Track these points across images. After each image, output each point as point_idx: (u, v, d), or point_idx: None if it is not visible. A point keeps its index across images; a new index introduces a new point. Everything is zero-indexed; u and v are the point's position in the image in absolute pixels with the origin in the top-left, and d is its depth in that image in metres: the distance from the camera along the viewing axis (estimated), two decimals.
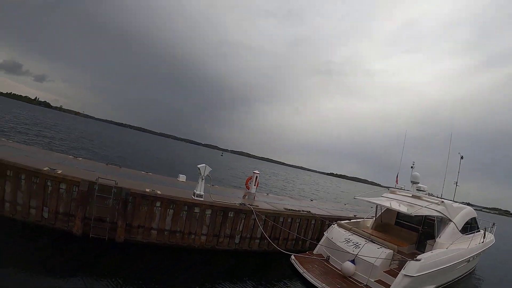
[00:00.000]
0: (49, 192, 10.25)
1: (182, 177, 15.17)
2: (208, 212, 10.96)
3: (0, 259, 8.44)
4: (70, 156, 15.28)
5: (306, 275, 10.15)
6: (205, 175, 11.35)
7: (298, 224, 13.44)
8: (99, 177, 10.46)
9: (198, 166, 11.39)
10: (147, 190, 10.66)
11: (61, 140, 38.23)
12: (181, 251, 10.87)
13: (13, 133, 33.09)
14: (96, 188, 10.10)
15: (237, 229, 11.43)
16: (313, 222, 13.99)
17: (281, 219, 12.83)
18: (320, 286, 9.46)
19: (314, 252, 12.30)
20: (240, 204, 11.71)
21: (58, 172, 10.35)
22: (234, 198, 13.36)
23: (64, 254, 10.17)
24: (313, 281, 9.75)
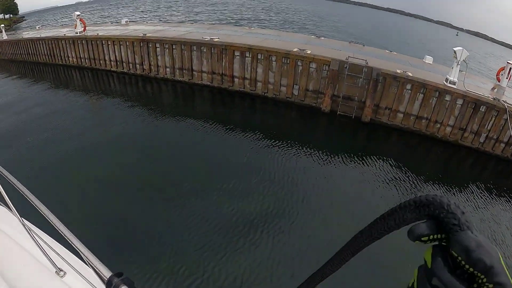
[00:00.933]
0: (299, 71, 11.80)
1: (429, 59, 14.47)
2: (459, 102, 10.18)
3: (251, 130, 10.41)
4: (312, 36, 17.01)
5: None
6: (461, 60, 10.23)
7: None
8: (349, 57, 11.26)
9: (454, 49, 10.39)
10: (398, 71, 10.81)
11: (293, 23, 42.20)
12: (423, 139, 10.84)
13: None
14: (347, 67, 10.93)
15: (486, 126, 10.28)
16: None
17: None
18: None
19: None
20: (494, 99, 10.28)
21: (308, 53, 11.73)
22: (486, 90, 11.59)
23: (312, 127, 11.93)
24: None
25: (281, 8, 60.80)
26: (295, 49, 12.12)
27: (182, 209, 6.61)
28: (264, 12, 50.90)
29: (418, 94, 10.56)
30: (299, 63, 11.75)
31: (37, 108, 12.87)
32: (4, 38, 24.94)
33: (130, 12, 57.21)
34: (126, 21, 19.75)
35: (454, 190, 8.72)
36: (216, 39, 13.22)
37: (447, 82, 10.57)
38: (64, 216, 2.51)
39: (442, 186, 8.69)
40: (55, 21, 61.24)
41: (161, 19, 38.88)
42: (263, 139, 9.89)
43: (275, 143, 9.65)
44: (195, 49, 13.34)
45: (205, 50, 13.19)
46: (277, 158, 8.82)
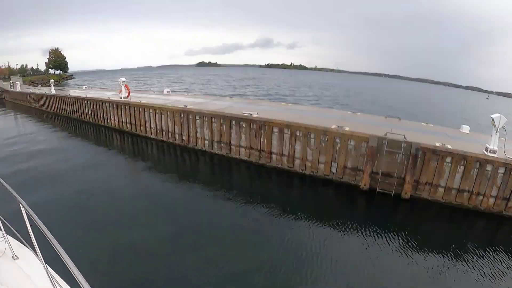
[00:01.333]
0: (338, 148, 11.37)
1: (466, 128, 14.03)
2: (501, 170, 9.55)
3: (289, 207, 9.87)
4: (348, 112, 16.66)
5: None
6: (499, 127, 9.84)
7: None
8: (387, 132, 10.83)
9: (492, 116, 9.97)
10: (437, 144, 10.24)
11: (324, 97, 42.67)
12: (466, 213, 10.02)
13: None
14: (386, 143, 10.47)
15: None
16: None
17: None
18: None
19: None
20: None
21: (346, 129, 11.33)
22: None
23: (351, 206, 11.11)
24: None
25: (312, 84, 63.20)
26: (333, 126, 11.78)
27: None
28: (299, 88, 52.41)
29: (458, 166, 9.90)
30: (338, 140, 11.40)
31: (75, 160, 13.88)
32: (52, 92, 26.71)
33: (171, 83, 60.46)
34: (167, 91, 20.53)
35: (504, 265, 7.61)
36: (255, 115, 13.11)
37: (487, 152, 9.92)
38: (90, 273, 2.54)
39: (491, 263, 7.67)
40: (101, 83, 66.53)
41: (201, 91, 40.84)
42: (301, 219, 9.26)
43: (313, 222, 9.03)
44: (234, 123, 13.27)
45: (244, 125, 13.07)
46: (316, 239, 8.21)
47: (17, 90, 43.01)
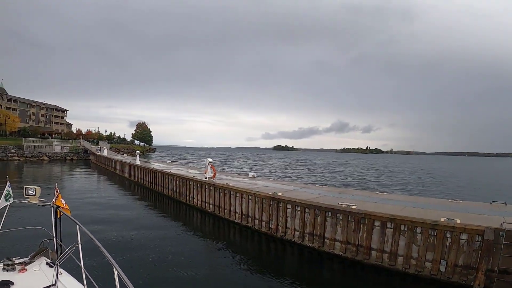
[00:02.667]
0: (448, 244, 9.71)
1: None
2: None
3: None
4: (450, 200, 14.87)
5: None
6: None
7: None
8: (503, 222, 9.27)
9: None
10: None
11: (412, 183, 40.71)
12: None
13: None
14: (503, 235, 8.77)
15: None
16: None
17: None
18: None
19: None
20: None
21: (457, 222, 9.66)
22: None
23: None
24: None
25: (395, 167, 61.06)
26: (442, 219, 10.01)
27: None
28: (386, 175, 50.16)
29: None
30: (448, 235, 9.73)
31: (155, 231, 14.23)
32: (137, 162, 28.62)
33: (252, 165, 62.35)
34: (253, 175, 20.46)
35: None
36: (354, 206, 11.82)
37: None
38: None
39: None
40: (183, 159, 71.76)
41: (284, 175, 40.96)
42: None
43: None
44: (330, 215, 12.05)
45: (341, 218, 11.78)
46: None
47: (104, 154, 47.73)
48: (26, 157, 56.05)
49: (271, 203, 13.51)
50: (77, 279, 3.62)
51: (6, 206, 4.32)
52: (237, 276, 10.47)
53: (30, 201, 4.44)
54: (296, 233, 12.98)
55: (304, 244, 12.75)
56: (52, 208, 4.54)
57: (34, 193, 4.43)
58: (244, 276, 10.59)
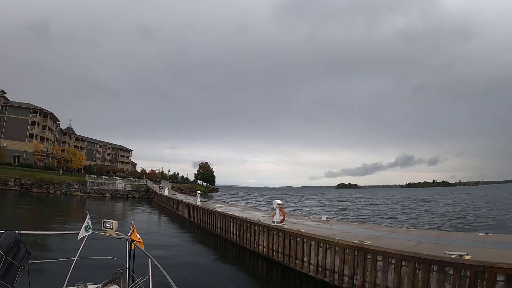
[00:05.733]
0: None
1: None
2: None
3: None
4: None
5: None
6: None
7: None
8: None
9: None
10: None
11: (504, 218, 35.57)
12: None
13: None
14: None
15: None
16: None
17: None
18: None
19: None
20: None
21: None
22: None
23: None
24: None
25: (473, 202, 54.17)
26: None
27: None
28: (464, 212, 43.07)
29: None
30: None
31: (212, 278, 12.98)
32: (197, 203, 28.05)
33: (320, 206, 59.23)
34: (326, 218, 18.47)
35: None
36: (468, 257, 9.13)
37: None
38: None
39: None
40: (247, 199, 71.25)
41: (357, 217, 37.43)
42: None
43: None
44: (436, 269, 9.44)
45: (451, 272, 9.11)
46: None
47: (165, 194, 48.76)
48: (89, 193, 59.34)
49: (356, 253, 11.28)
50: None
51: (85, 236, 4.71)
52: None
53: (107, 234, 4.90)
54: None
55: None
56: (127, 242, 4.92)
57: (111, 227, 4.89)
58: None
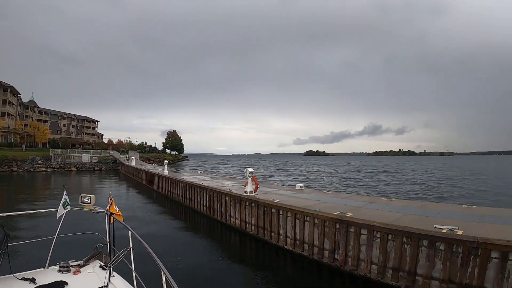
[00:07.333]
0: None
1: None
2: None
3: None
4: None
5: None
6: None
7: None
8: None
9: None
10: None
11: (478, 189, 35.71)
12: None
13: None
14: None
15: None
16: None
17: None
18: None
19: None
20: None
21: None
22: None
23: None
24: None
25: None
26: None
27: None
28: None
29: None
30: None
31: (182, 253, 12.05)
32: (165, 173, 26.25)
33: (293, 175, 58.29)
34: (300, 187, 17.29)
35: None
36: (459, 232, 8.35)
37: None
38: None
39: None
40: (216, 168, 69.40)
41: (331, 186, 36.96)
42: None
43: None
44: (425, 244, 8.61)
45: (442, 248, 8.32)
46: None
47: (132, 164, 46.30)
48: (54, 168, 56.04)
49: (337, 226, 10.24)
50: (128, 282, 3.82)
51: (64, 213, 4.69)
52: None
53: (86, 209, 4.88)
54: (374, 267, 9.60)
55: (385, 282, 9.37)
56: (106, 215, 4.81)
57: (89, 201, 4.84)
58: None
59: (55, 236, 4.60)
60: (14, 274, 3.59)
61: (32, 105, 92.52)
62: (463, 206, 12.52)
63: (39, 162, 56.25)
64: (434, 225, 9.02)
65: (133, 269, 3.88)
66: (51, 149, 64.86)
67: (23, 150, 65.36)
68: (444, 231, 8.55)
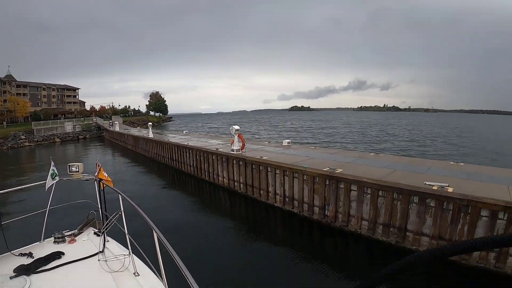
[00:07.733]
0: None
1: None
2: None
3: None
4: None
5: None
6: None
7: None
8: None
9: None
10: None
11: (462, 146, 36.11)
12: None
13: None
14: None
15: None
16: None
17: None
18: None
19: None
20: None
21: None
22: None
23: None
24: None
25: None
26: None
27: None
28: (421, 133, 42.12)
29: None
30: None
31: (172, 215, 11.83)
32: (150, 136, 25.46)
33: (278, 131, 57.89)
34: (288, 143, 16.81)
35: None
36: (450, 189, 8.22)
37: None
38: None
39: None
40: (201, 127, 67.88)
41: (319, 141, 36.05)
42: None
43: None
44: (416, 201, 8.51)
45: (432, 205, 8.24)
46: None
47: (116, 130, 45.01)
48: (37, 141, 53.78)
49: (327, 182, 9.99)
50: (122, 245, 3.95)
51: (53, 184, 4.60)
52: (282, 275, 7.89)
53: (75, 177, 4.86)
54: (364, 223, 9.54)
55: (376, 238, 9.37)
56: (95, 182, 4.77)
57: (77, 170, 4.85)
58: (292, 275, 7.95)
59: (47, 208, 4.62)
60: (11, 251, 3.66)
61: (9, 79, 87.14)
62: (451, 163, 12.44)
63: (22, 137, 53.90)
64: (425, 182, 8.86)
65: (126, 232, 3.90)
66: (33, 123, 62.02)
67: (5, 127, 62.54)
68: (435, 188, 8.39)
